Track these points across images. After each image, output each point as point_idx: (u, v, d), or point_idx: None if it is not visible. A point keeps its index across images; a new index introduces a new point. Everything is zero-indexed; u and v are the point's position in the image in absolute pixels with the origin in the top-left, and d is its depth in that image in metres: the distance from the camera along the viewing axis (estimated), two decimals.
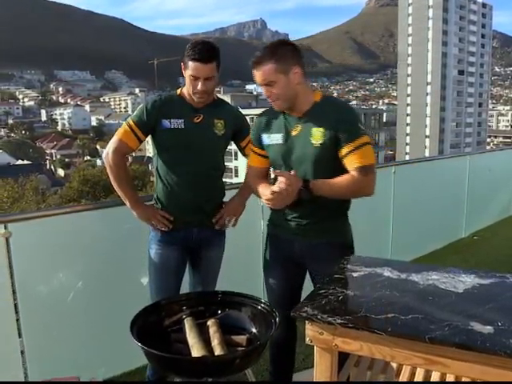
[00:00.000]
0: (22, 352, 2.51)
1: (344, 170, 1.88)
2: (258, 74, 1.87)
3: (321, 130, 1.86)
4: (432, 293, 1.53)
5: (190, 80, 2.06)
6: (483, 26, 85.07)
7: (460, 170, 5.70)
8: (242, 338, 1.85)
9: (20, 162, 62.92)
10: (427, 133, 77.61)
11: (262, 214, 3.20)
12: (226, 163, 2.42)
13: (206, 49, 2.02)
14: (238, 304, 1.99)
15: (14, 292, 2.40)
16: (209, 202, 2.23)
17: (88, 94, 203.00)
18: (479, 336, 1.23)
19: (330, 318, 1.35)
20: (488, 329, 1.27)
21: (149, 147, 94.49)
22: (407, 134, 79.30)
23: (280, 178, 1.83)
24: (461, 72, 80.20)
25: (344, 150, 1.83)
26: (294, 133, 1.93)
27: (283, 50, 1.84)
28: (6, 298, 2.38)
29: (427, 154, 65.19)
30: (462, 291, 1.54)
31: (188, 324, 1.91)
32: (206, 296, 2.07)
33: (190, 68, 2.03)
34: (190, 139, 2.13)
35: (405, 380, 1.76)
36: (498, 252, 4.98)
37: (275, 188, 1.81)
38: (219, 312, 1.97)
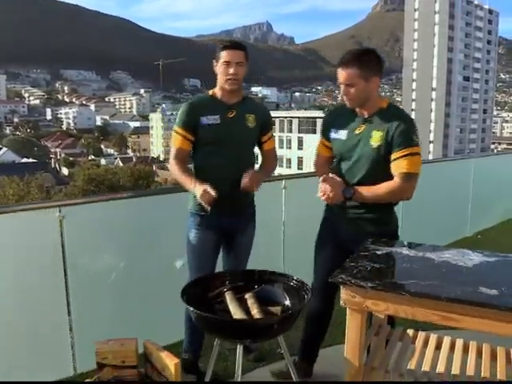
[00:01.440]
0: (71, 329, 2.77)
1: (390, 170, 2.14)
2: (341, 74, 2.12)
3: (380, 133, 2.12)
4: (446, 266, 1.81)
5: (224, 68, 2.33)
6: (489, 33, 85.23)
7: (465, 172, 5.96)
8: (277, 309, 2.11)
9: (25, 160, 63.16)
10: (431, 138, 77.70)
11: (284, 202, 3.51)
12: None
13: (237, 41, 2.39)
14: (272, 280, 2.26)
15: (65, 270, 2.68)
16: (243, 192, 2.45)
17: (93, 93, 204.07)
18: (487, 296, 1.51)
19: (362, 283, 1.63)
20: (494, 292, 1.54)
21: (153, 148, 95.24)
22: None
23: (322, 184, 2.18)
24: (466, 78, 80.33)
25: (395, 154, 2.09)
26: (357, 131, 2.20)
27: (369, 59, 2.12)
28: (59, 276, 2.66)
29: None
30: (471, 266, 1.81)
31: (229, 297, 2.18)
32: (244, 273, 2.34)
33: (223, 56, 2.32)
34: (226, 133, 2.39)
35: (420, 345, 2.02)
36: (501, 250, 5.21)
37: (319, 194, 2.16)
38: (256, 287, 2.25)
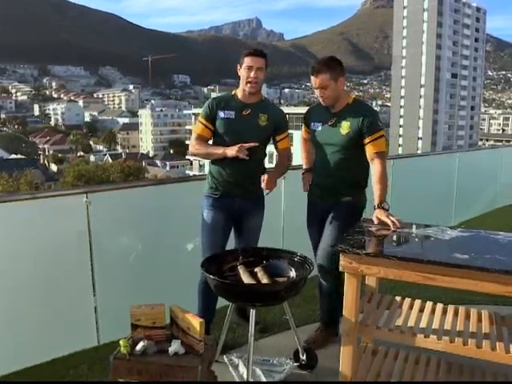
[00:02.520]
0: (96, 309, 3.09)
1: (359, 154, 2.62)
2: (315, 80, 2.60)
3: (348, 123, 2.61)
4: (427, 239, 2.17)
5: (246, 72, 2.67)
6: (477, 30, 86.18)
7: (450, 165, 6.35)
8: (283, 279, 2.45)
9: (13, 156, 62.63)
10: (420, 135, 78.60)
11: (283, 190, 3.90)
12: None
13: (259, 49, 2.73)
14: (279, 256, 2.61)
15: (90, 250, 2.99)
16: (251, 179, 2.81)
17: (82, 89, 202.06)
18: (459, 259, 1.86)
19: (357, 250, 1.97)
20: (465, 256, 1.90)
21: (142, 144, 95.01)
22: (400, 136, 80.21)
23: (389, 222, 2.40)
24: (454, 75, 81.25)
25: (366, 140, 2.58)
26: (329, 123, 2.68)
27: (334, 64, 2.59)
28: (86, 255, 2.97)
29: None
30: (448, 239, 2.17)
31: (241, 270, 2.52)
32: (255, 250, 2.69)
33: (246, 61, 2.67)
34: (238, 127, 2.74)
35: (406, 309, 2.36)
36: None
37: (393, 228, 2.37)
38: (264, 262, 2.59)
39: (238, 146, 2.61)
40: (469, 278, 1.81)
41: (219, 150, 2.70)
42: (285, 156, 2.96)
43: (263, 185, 2.73)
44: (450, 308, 2.35)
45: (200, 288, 2.87)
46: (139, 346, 2.19)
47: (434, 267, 1.85)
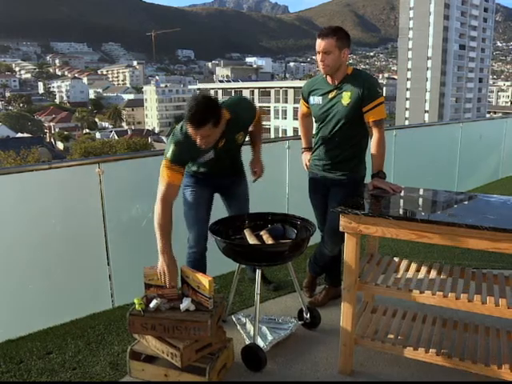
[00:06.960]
0: (110, 277, 3.25)
1: (361, 125, 2.65)
2: (321, 43, 2.55)
3: (348, 93, 2.62)
4: (423, 201, 2.29)
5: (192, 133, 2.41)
6: (486, 0, 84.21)
7: (453, 136, 6.41)
8: (287, 241, 2.59)
9: (20, 134, 62.82)
10: (426, 108, 77.73)
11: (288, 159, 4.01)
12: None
13: (198, 115, 2.31)
14: (282, 220, 2.74)
15: (103, 217, 3.13)
16: (231, 168, 2.89)
17: (85, 66, 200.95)
18: (451, 218, 1.98)
19: (356, 211, 2.09)
20: (455, 216, 2.01)
21: (147, 120, 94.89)
22: (407, 109, 79.37)
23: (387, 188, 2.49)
24: (462, 46, 79.76)
25: (366, 108, 2.59)
26: (330, 96, 2.69)
27: (343, 34, 2.56)
28: (99, 223, 3.12)
29: None
30: (442, 200, 2.28)
31: (247, 233, 2.66)
32: (259, 215, 2.81)
33: (189, 128, 2.38)
34: (219, 157, 2.70)
35: (403, 268, 2.50)
36: None
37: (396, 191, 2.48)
38: (269, 226, 2.72)
39: (164, 268, 2.38)
40: (460, 235, 1.93)
41: (161, 249, 2.43)
42: (257, 128, 2.96)
43: (256, 172, 2.87)
44: (446, 267, 2.48)
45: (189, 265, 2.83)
46: (153, 304, 2.35)
47: (428, 225, 1.97)
